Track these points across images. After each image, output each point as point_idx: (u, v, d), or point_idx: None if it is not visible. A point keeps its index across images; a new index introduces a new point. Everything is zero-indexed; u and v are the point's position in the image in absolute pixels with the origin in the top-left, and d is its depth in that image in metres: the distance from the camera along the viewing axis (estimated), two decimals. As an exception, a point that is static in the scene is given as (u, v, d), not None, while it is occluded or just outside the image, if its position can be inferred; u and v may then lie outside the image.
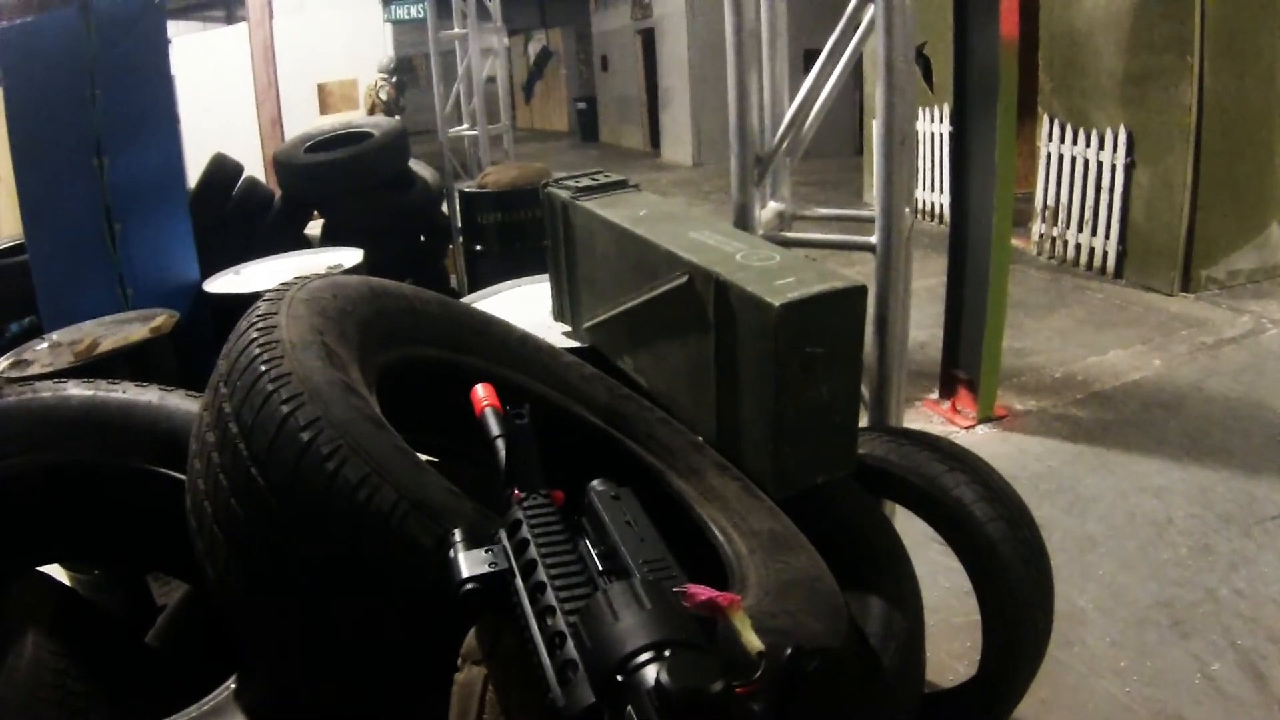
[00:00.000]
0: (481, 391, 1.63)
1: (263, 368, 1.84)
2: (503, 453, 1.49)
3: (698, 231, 3.14)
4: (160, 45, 6.48)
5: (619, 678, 0.96)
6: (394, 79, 15.22)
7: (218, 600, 1.88)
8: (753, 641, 1.09)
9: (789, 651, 1.05)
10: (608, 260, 3.42)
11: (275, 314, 2.04)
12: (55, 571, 3.08)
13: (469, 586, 1.26)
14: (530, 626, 1.15)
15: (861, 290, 2.67)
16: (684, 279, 2.88)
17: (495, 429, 1.53)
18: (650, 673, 0.93)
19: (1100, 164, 9.58)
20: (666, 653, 0.96)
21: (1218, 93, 8.61)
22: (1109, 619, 4.33)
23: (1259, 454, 5.85)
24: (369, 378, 2.11)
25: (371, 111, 14.88)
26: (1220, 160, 8.77)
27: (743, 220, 4.10)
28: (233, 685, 2.07)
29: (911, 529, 3.12)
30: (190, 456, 1.97)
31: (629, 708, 0.93)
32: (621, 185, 3.75)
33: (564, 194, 3.68)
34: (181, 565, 2.20)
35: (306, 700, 1.88)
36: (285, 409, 1.74)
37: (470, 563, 1.29)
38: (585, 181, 3.77)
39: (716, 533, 2.35)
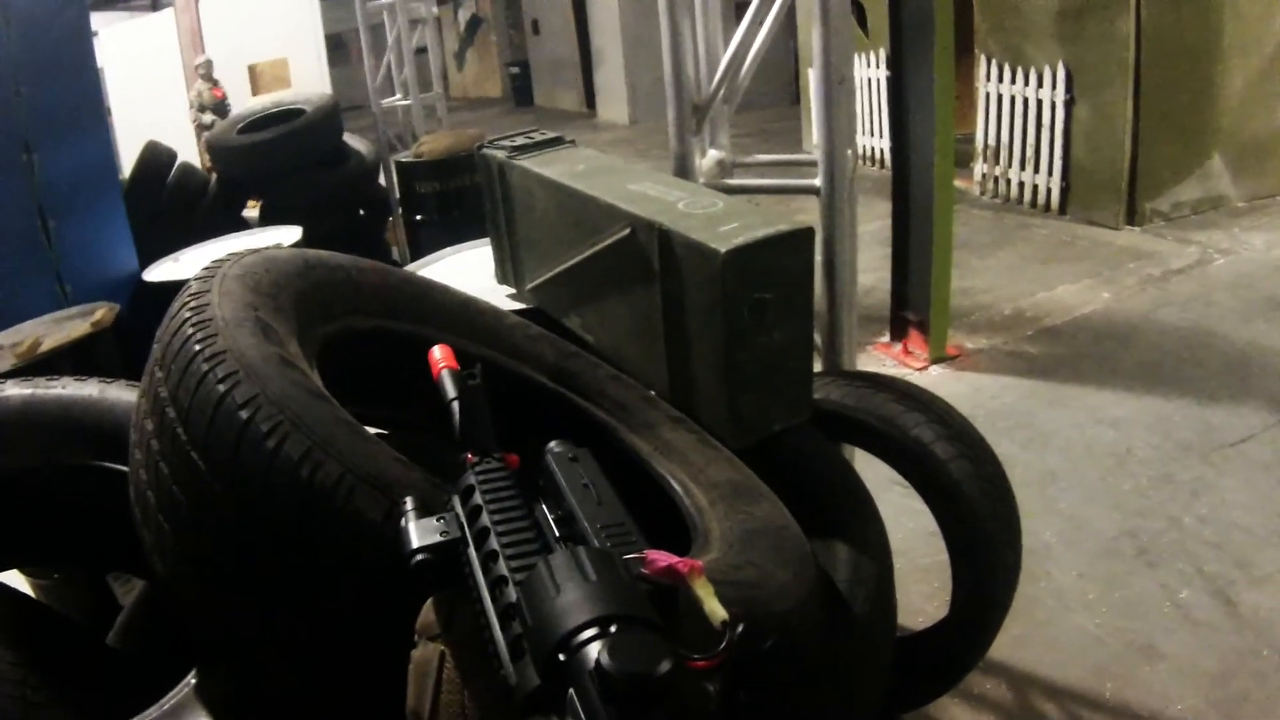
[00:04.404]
0: (439, 353, 1.58)
1: (197, 347, 1.77)
2: (457, 416, 1.43)
3: (637, 183, 3.08)
4: (84, 39, 6.41)
5: (561, 657, 0.89)
6: (215, 81, 14.84)
7: (169, 593, 1.82)
8: (716, 610, 1.03)
9: (739, 629, 0.99)
10: (548, 218, 3.36)
11: (207, 292, 1.98)
12: (15, 577, 3.03)
13: (420, 557, 1.20)
14: (483, 598, 1.09)
15: (809, 232, 2.63)
16: (626, 231, 2.83)
17: (452, 391, 1.48)
18: (592, 652, 0.86)
19: (1040, 101, 9.63)
20: (611, 629, 0.89)
21: (1155, 25, 8.62)
22: (1075, 552, 4.34)
23: (1213, 382, 5.89)
24: (309, 351, 2.05)
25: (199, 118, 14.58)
26: (1160, 93, 8.80)
27: (683, 169, 4.05)
28: (193, 681, 2.02)
29: (872, 472, 3.09)
30: (131, 446, 1.91)
31: (570, 691, 0.86)
32: (558, 142, 3.69)
33: (500, 154, 3.61)
34: (137, 562, 2.15)
35: (265, 688, 1.83)
36: (221, 388, 1.68)
37: (421, 532, 1.23)
38: (521, 140, 3.71)
39: (676, 487, 2.31)
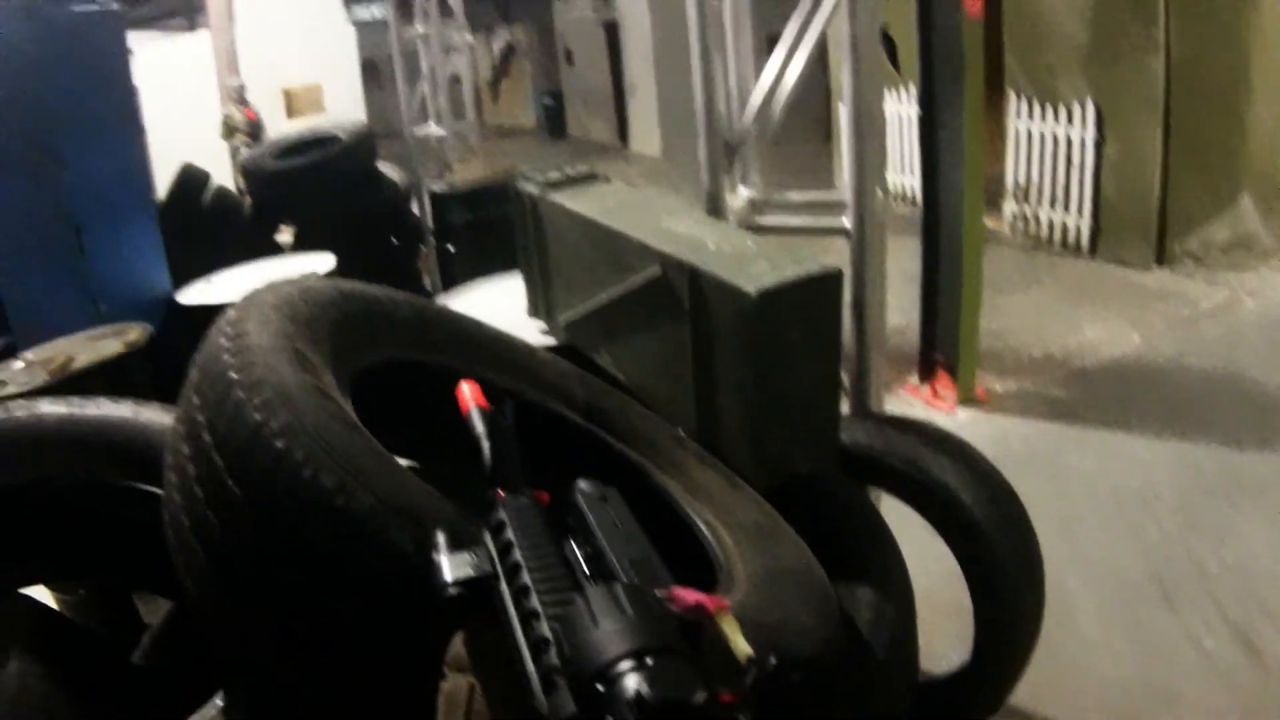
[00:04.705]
0: (467, 390, 1.60)
1: (234, 375, 1.81)
2: (487, 452, 1.45)
3: (669, 220, 3.11)
4: (119, 53, 6.44)
5: (599, 687, 0.92)
6: (247, 103, 14.61)
7: (198, 614, 1.85)
8: (741, 646, 1.05)
9: (772, 662, 1.02)
10: (580, 254, 3.39)
11: (245, 321, 2.01)
12: (40, 593, 3.05)
13: (452, 590, 1.23)
14: (514, 632, 1.12)
15: (837, 275, 2.65)
16: (657, 270, 2.86)
17: (481, 428, 1.50)
18: (630, 682, 0.89)
19: (1069, 140, 9.60)
20: (648, 661, 0.93)
21: (1184, 63, 8.61)
22: (1098, 595, 4.32)
23: (1240, 425, 5.86)
24: (342, 381, 2.08)
25: (230, 136, 14.44)
26: (1190, 132, 8.77)
27: (714, 208, 4.07)
28: (219, 702, 2.04)
29: (896, 513, 3.10)
30: (166, 469, 1.93)
31: (608, 719, 0.90)
32: (591, 177, 3.73)
33: (533, 188, 3.65)
34: (165, 582, 2.18)
35: (291, 712, 1.85)
36: (258, 416, 1.71)
37: (454, 565, 1.24)
38: (554, 175, 3.74)
39: (702, 527, 2.33)
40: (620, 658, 0.92)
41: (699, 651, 1.03)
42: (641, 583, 1.15)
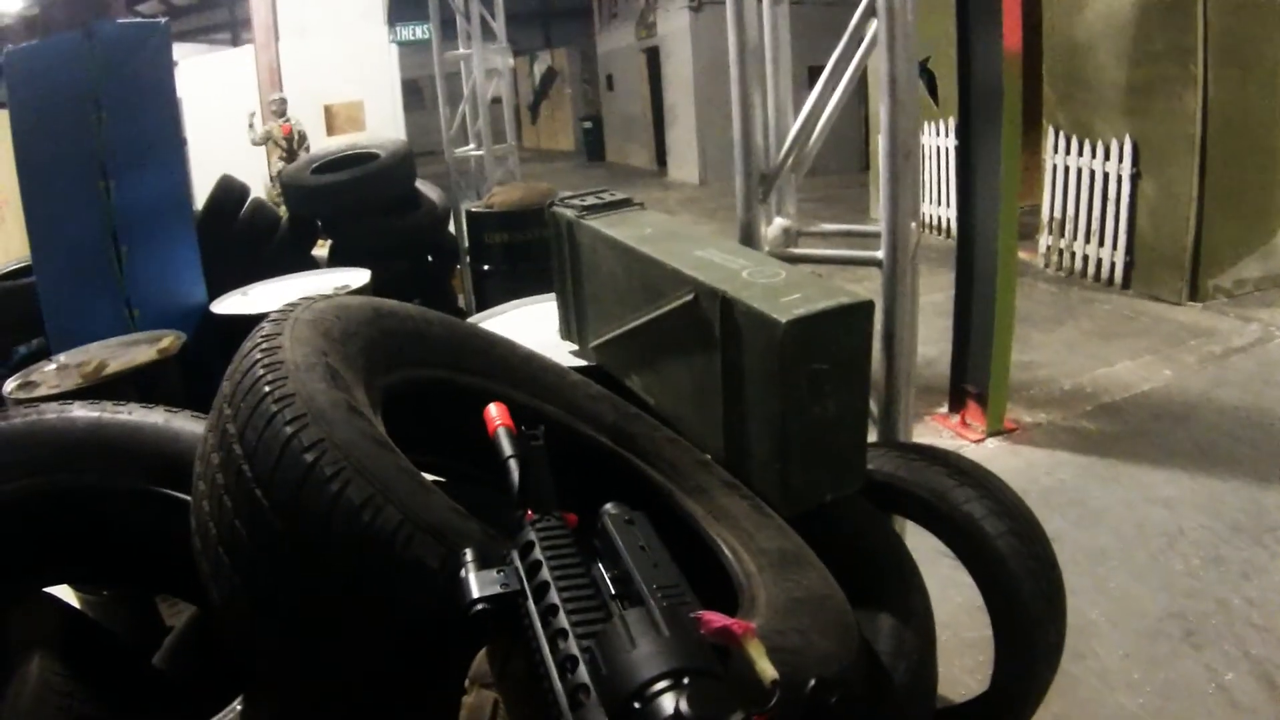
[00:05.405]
0: (494, 411, 1.62)
1: (266, 389, 1.83)
2: (515, 473, 1.47)
3: (703, 249, 3.12)
4: (166, 69, 6.49)
5: (636, 705, 0.94)
6: (286, 118, 14.45)
7: (222, 622, 1.87)
8: (767, 670, 1.07)
9: (811, 684, 1.04)
10: (614, 279, 3.41)
11: (279, 335, 2.04)
12: (64, 593, 3.08)
13: (479, 607, 1.24)
14: (542, 649, 1.13)
15: (868, 306, 2.65)
16: (690, 297, 2.87)
17: (508, 449, 1.52)
18: (668, 701, 0.92)
19: (1106, 175, 9.61)
20: (685, 681, 0.95)
21: (1221, 101, 8.62)
22: (1121, 631, 4.31)
23: (1268, 463, 5.83)
24: (374, 399, 2.10)
25: (284, 148, 14.33)
26: (1225, 169, 8.78)
27: (748, 237, 4.09)
28: (239, 707, 2.06)
29: (922, 544, 3.10)
30: (195, 478, 1.95)
31: None
32: (627, 204, 3.75)
33: (569, 213, 3.67)
34: (188, 587, 2.19)
35: (311, 721, 1.87)
36: (289, 430, 1.73)
37: (481, 583, 1.26)
38: (590, 200, 3.76)
39: (725, 551, 2.33)
40: (658, 677, 0.95)
41: (727, 674, 1.06)
42: (670, 606, 1.17)
